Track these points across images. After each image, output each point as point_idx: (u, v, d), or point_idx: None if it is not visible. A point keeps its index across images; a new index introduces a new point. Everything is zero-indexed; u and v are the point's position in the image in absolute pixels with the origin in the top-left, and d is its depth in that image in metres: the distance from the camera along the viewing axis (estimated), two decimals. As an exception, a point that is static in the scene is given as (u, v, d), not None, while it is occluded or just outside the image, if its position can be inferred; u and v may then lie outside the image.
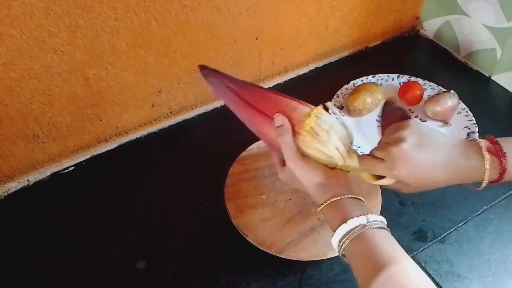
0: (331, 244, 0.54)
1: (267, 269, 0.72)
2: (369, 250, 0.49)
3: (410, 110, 0.98)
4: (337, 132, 0.57)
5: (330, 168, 0.59)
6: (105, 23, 0.73)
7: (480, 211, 0.79)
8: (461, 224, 0.78)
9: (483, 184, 0.54)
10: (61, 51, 0.73)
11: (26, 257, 0.75)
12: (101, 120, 0.86)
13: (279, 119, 0.58)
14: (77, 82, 0.78)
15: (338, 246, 0.53)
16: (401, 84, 1.00)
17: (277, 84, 1.07)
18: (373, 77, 1.04)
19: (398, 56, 1.16)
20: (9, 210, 0.82)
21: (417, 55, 1.17)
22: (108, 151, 0.92)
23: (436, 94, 0.94)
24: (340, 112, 0.96)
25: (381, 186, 0.62)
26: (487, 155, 0.52)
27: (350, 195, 0.55)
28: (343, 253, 0.53)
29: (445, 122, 0.93)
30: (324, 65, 1.12)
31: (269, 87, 1.05)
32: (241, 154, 0.84)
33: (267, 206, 0.76)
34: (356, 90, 0.95)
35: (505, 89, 1.04)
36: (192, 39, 0.85)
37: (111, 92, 0.83)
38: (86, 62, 0.76)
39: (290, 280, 0.71)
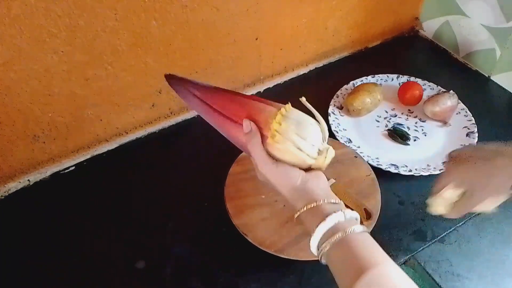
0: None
1: (267, 268, 0.72)
2: (350, 256, 0.49)
3: (409, 110, 0.98)
4: (305, 131, 0.55)
5: (305, 170, 0.58)
6: (105, 24, 0.73)
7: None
8: (460, 224, 0.78)
9: None
10: (61, 51, 0.73)
11: (26, 257, 0.75)
12: (101, 120, 0.87)
13: (247, 125, 0.57)
14: (77, 82, 0.78)
15: (317, 249, 0.52)
16: (401, 84, 1.01)
17: (277, 84, 1.07)
18: (373, 77, 1.04)
19: (398, 56, 1.16)
20: (10, 210, 0.82)
21: (417, 55, 1.17)
22: (108, 151, 0.92)
23: (435, 94, 0.94)
24: (339, 112, 0.96)
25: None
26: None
27: (327, 200, 0.54)
28: (321, 256, 0.52)
29: (444, 122, 0.94)
30: (324, 65, 1.12)
31: (269, 87, 1.05)
32: (241, 154, 0.84)
33: (267, 206, 0.76)
34: (356, 90, 0.95)
35: (504, 89, 1.04)
36: (191, 40, 0.85)
37: (111, 92, 0.83)
38: (86, 62, 0.76)
39: (290, 279, 0.71)
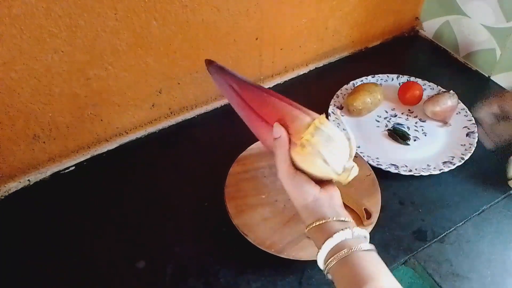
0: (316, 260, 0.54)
1: (267, 268, 0.72)
2: (354, 273, 0.49)
3: (409, 110, 0.98)
4: (334, 146, 0.55)
5: (323, 183, 0.57)
6: (105, 23, 0.73)
7: (479, 211, 0.80)
8: (460, 223, 0.78)
9: None
10: (62, 51, 0.73)
11: (26, 257, 0.75)
12: (101, 120, 0.87)
13: (277, 131, 0.56)
14: (77, 82, 0.78)
15: (324, 264, 0.53)
16: (401, 84, 1.01)
17: (277, 84, 1.07)
18: (373, 77, 1.04)
19: (398, 56, 1.16)
20: (10, 210, 0.82)
21: (417, 55, 1.17)
22: (108, 151, 0.92)
23: (435, 94, 0.94)
24: (340, 113, 0.96)
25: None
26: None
27: (336, 218, 0.54)
28: (327, 271, 0.53)
29: (445, 122, 0.94)
30: (324, 65, 1.12)
31: (269, 87, 1.05)
32: (241, 154, 0.84)
33: (267, 206, 0.77)
34: (356, 90, 0.95)
35: (505, 89, 1.04)
36: (192, 39, 0.85)
37: (111, 92, 0.83)
38: (87, 62, 0.76)
39: (290, 279, 0.71)
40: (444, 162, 0.85)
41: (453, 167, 0.84)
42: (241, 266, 0.73)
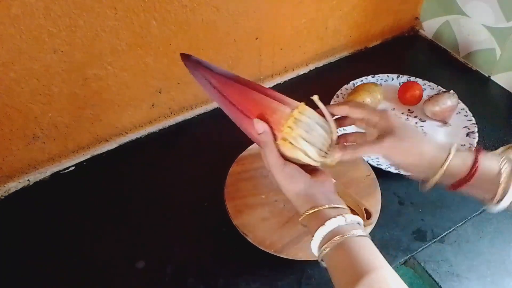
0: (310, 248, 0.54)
1: (267, 269, 0.72)
2: (348, 259, 0.49)
3: (409, 110, 0.98)
4: (315, 134, 0.56)
5: (314, 171, 0.58)
6: (105, 23, 0.73)
7: (479, 211, 0.80)
8: (460, 224, 0.78)
9: (444, 166, 0.53)
10: (61, 51, 0.73)
11: (26, 257, 0.75)
12: (101, 120, 0.87)
13: (259, 126, 0.57)
14: (76, 82, 0.78)
15: (318, 251, 0.53)
16: (401, 84, 1.01)
17: (277, 84, 1.07)
18: (373, 77, 1.04)
19: (398, 56, 1.16)
20: (9, 210, 0.82)
21: (417, 55, 1.17)
22: (108, 151, 0.92)
23: (435, 94, 0.94)
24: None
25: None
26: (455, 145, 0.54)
27: (329, 205, 0.55)
28: (322, 259, 0.53)
29: (445, 122, 0.93)
30: (324, 65, 1.12)
31: (269, 87, 1.05)
32: (241, 154, 0.84)
33: (267, 206, 0.76)
34: (356, 90, 0.95)
35: (505, 89, 1.04)
36: (191, 39, 0.85)
37: (111, 92, 0.83)
38: (86, 62, 0.76)
39: (289, 280, 0.71)
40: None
41: (453, 167, 0.84)
42: (241, 266, 0.73)
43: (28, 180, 0.86)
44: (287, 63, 1.06)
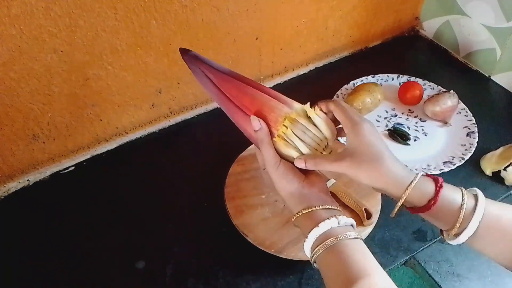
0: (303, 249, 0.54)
1: (267, 269, 0.72)
2: (341, 262, 0.49)
3: (409, 110, 0.98)
4: (311, 135, 0.56)
5: (308, 172, 0.58)
6: (105, 23, 0.73)
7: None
8: (460, 224, 0.78)
9: (406, 192, 0.51)
10: (61, 51, 0.73)
11: (26, 257, 0.75)
12: (101, 120, 0.86)
13: (256, 124, 0.56)
14: (77, 82, 0.78)
15: (311, 253, 0.53)
16: (401, 84, 1.01)
17: (277, 84, 1.07)
18: (373, 77, 1.04)
19: (398, 56, 1.16)
20: (9, 210, 0.82)
21: (417, 55, 1.17)
22: (108, 151, 0.92)
23: (435, 94, 0.94)
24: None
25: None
26: (421, 173, 0.53)
27: (323, 206, 0.54)
28: (314, 261, 0.53)
29: (445, 122, 0.93)
30: (324, 65, 1.12)
31: (269, 87, 1.05)
32: (241, 154, 0.84)
33: (267, 206, 0.76)
34: (356, 90, 0.95)
35: (505, 89, 1.04)
36: (191, 39, 0.85)
37: (111, 92, 0.83)
38: (86, 62, 0.76)
39: (289, 280, 0.71)
40: (444, 162, 0.85)
41: (453, 167, 0.84)
42: (241, 266, 0.73)
43: (28, 180, 0.86)
44: (287, 63, 1.06)
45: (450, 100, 0.91)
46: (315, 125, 0.57)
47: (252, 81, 0.61)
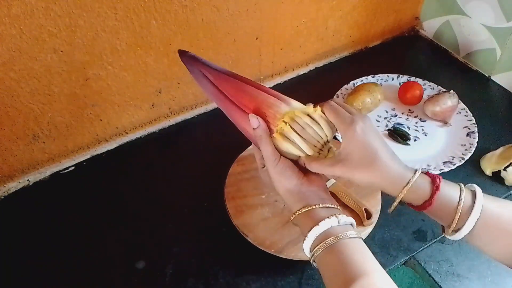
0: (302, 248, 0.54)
1: (267, 269, 0.72)
2: (341, 262, 0.49)
3: (409, 110, 0.98)
4: (311, 131, 0.56)
5: (306, 171, 0.58)
6: (105, 23, 0.73)
7: (479, 211, 0.79)
8: (460, 224, 0.78)
9: (404, 189, 0.52)
10: (61, 51, 0.73)
11: (26, 257, 0.75)
12: (101, 120, 0.86)
13: (254, 121, 0.57)
14: (77, 82, 0.78)
15: (310, 252, 0.53)
16: (401, 84, 1.01)
17: (277, 84, 1.07)
18: (373, 77, 1.04)
19: (398, 56, 1.16)
20: (9, 210, 0.82)
21: (417, 55, 1.17)
22: (108, 151, 0.92)
23: (435, 94, 0.94)
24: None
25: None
26: (419, 171, 0.53)
27: (322, 205, 0.54)
28: (314, 260, 0.52)
29: (445, 122, 0.93)
30: (324, 65, 1.12)
31: (269, 87, 1.05)
32: (241, 154, 0.84)
33: (267, 206, 0.76)
34: (356, 90, 0.95)
35: (505, 89, 1.04)
36: (191, 39, 0.85)
37: (111, 92, 0.83)
38: (86, 62, 0.76)
39: (290, 280, 0.71)
40: (444, 162, 0.85)
41: (453, 167, 0.84)
42: (241, 266, 0.73)
43: (28, 180, 0.86)
44: (287, 63, 1.06)
45: (450, 100, 0.91)
46: (316, 122, 0.56)
47: (250, 81, 0.61)
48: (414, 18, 1.20)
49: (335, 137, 0.64)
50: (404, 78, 1.04)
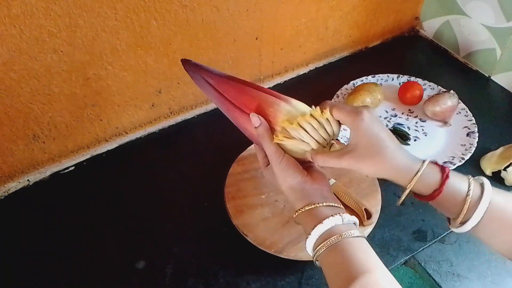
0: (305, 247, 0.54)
1: (267, 269, 0.72)
2: (344, 260, 0.49)
3: (409, 110, 0.98)
4: (314, 127, 0.56)
5: (309, 170, 0.58)
6: (105, 23, 0.73)
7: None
8: (460, 224, 0.78)
9: (414, 179, 0.51)
10: (61, 51, 0.73)
11: (26, 257, 0.75)
12: (101, 120, 0.86)
13: (255, 120, 0.57)
14: (77, 82, 0.78)
15: (313, 251, 0.53)
16: (401, 84, 1.01)
17: (277, 84, 1.07)
18: (373, 77, 1.04)
19: (398, 56, 1.16)
20: (9, 210, 0.82)
21: (417, 55, 1.17)
22: (108, 151, 0.92)
23: (435, 94, 0.94)
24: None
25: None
26: (428, 161, 0.52)
27: (326, 203, 0.54)
28: (316, 259, 0.52)
29: (445, 122, 0.93)
30: (324, 65, 1.12)
31: (269, 87, 1.05)
32: (241, 154, 0.84)
33: (267, 206, 0.76)
34: (356, 90, 0.95)
35: (505, 89, 1.04)
36: (191, 39, 0.85)
37: (111, 92, 0.83)
38: (86, 62, 0.76)
39: (290, 280, 0.71)
40: (444, 162, 0.85)
41: (453, 167, 0.84)
42: (241, 266, 0.73)
43: (28, 180, 0.86)
44: (287, 63, 1.06)
45: (450, 100, 0.91)
46: (322, 123, 0.56)
47: (250, 83, 0.62)
48: (414, 18, 1.20)
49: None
50: (404, 78, 1.04)
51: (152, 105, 0.91)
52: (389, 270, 0.49)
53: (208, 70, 0.64)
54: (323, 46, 1.08)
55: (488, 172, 0.84)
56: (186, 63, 0.66)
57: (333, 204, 0.55)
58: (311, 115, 0.56)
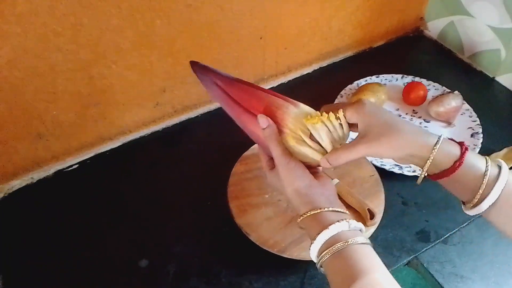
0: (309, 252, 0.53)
1: (270, 268, 0.72)
2: (348, 268, 0.48)
3: (413, 110, 0.97)
4: (319, 134, 0.56)
5: (315, 174, 0.58)
6: (110, 22, 0.73)
7: (483, 212, 0.79)
8: (464, 224, 0.78)
9: (433, 152, 0.50)
10: (66, 50, 0.73)
11: (28, 255, 0.75)
12: (105, 118, 0.87)
13: (263, 121, 0.57)
14: (81, 81, 0.78)
15: (317, 257, 0.52)
16: (405, 84, 1.00)
17: (280, 84, 1.07)
18: (377, 77, 1.04)
19: (402, 56, 1.16)
20: (13, 207, 0.82)
21: (421, 55, 1.17)
22: (111, 149, 0.92)
23: (440, 95, 0.94)
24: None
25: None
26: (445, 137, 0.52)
27: (332, 208, 0.54)
28: (321, 265, 0.52)
29: (449, 123, 0.93)
30: (328, 65, 1.12)
31: (273, 87, 1.05)
32: (244, 153, 0.84)
33: (270, 206, 0.76)
34: (360, 90, 0.95)
35: (509, 90, 1.04)
36: (196, 39, 0.85)
37: (115, 91, 0.83)
38: (90, 61, 0.77)
39: (292, 279, 0.71)
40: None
41: (457, 167, 0.83)
42: (243, 265, 0.73)
43: (32, 178, 0.86)
44: (291, 63, 1.06)
45: (454, 101, 0.91)
46: (335, 125, 0.56)
47: (258, 86, 0.62)
48: (419, 19, 1.20)
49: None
50: (408, 79, 1.03)
51: (156, 104, 0.91)
52: (392, 270, 0.49)
53: (216, 72, 0.64)
54: (327, 46, 1.08)
55: None
56: (194, 64, 0.67)
57: (339, 210, 0.54)
58: (328, 117, 0.56)
